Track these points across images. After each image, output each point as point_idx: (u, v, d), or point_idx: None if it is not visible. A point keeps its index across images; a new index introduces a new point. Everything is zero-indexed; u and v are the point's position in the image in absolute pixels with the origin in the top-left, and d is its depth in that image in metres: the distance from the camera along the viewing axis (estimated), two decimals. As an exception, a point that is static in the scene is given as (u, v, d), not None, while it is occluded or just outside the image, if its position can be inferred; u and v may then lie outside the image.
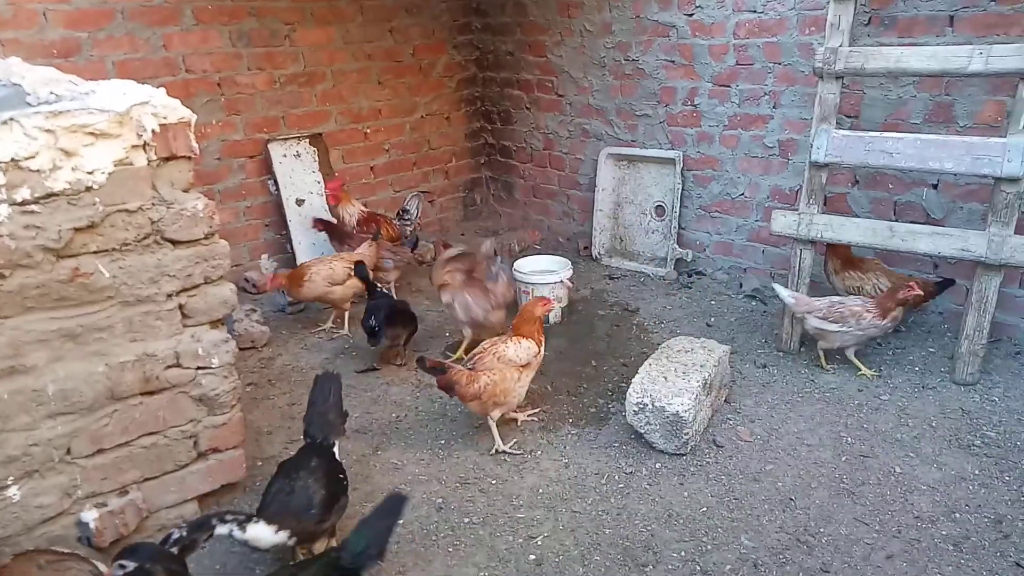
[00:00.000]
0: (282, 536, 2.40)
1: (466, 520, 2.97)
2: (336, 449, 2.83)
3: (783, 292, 3.93)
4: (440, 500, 3.08)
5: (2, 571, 2.23)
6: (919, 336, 4.21)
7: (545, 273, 4.72)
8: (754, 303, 4.82)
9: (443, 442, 3.49)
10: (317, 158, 5.52)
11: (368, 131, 5.88)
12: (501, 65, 6.33)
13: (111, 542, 2.58)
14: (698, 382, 3.29)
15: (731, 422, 3.52)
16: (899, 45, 3.94)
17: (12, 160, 2.26)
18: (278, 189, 5.32)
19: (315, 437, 2.79)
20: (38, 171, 2.32)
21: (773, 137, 4.81)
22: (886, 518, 2.85)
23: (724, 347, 3.66)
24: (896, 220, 4.23)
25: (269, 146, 5.28)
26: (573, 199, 6.08)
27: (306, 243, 5.41)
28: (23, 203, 2.30)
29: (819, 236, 4.00)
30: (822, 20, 4.32)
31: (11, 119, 2.26)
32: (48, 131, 2.33)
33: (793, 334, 4.12)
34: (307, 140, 5.49)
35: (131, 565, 2.05)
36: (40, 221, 2.33)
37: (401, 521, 2.34)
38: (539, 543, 2.81)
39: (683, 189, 5.24)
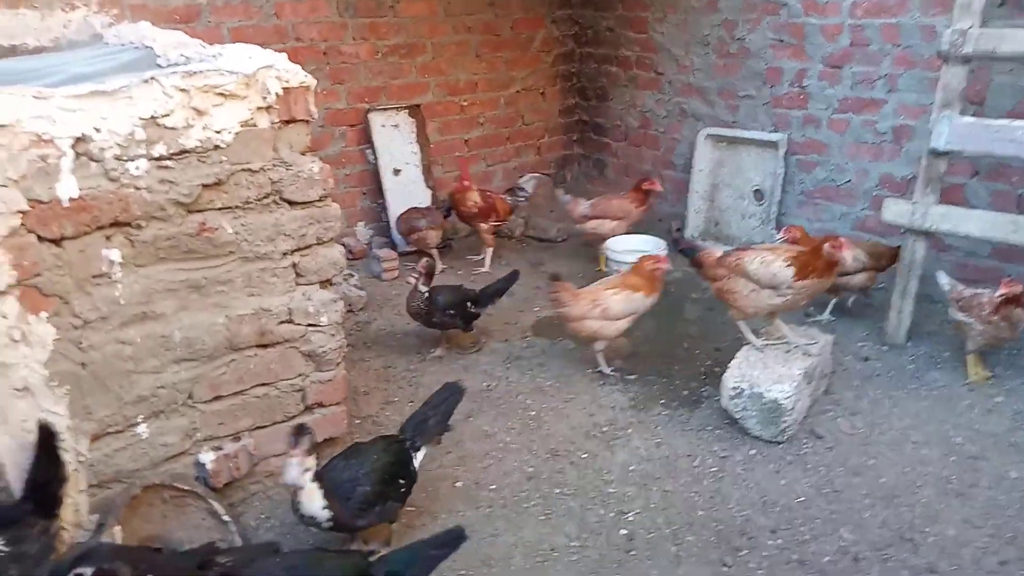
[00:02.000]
0: (325, 512, 2.36)
1: (556, 491, 2.99)
2: (419, 455, 2.73)
3: (943, 279, 3.73)
4: (531, 469, 3.12)
5: (133, 500, 2.39)
6: (1038, 338, 3.96)
7: (637, 253, 4.65)
8: (856, 294, 4.63)
9: (533, 414, 3.52)
10: (415, 129, 5.60)
11: (464, 104, 5.92)
12: (600, 41, 6.24)
13: (225, 483, 2.72)
14: (800, 370, 3.21)
15: (831, 413, 3.41)
16: (1038, 26, 3.67)
17: (152, 117, 2.37)
18: (376, 158, 5.43)
19: (403, 432, 2.75)
20: (173, 128, 2.43)
21: (886, 123, 4.59)
22: (1000, 523, 2.72)
23: (827, 336, 3.55)
24: (1019, 214, 3.98)
25: (369, 116, 5.39)
26: (667, 179, 5.96)
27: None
28: (159, 158, 2.41)
29: (934, 227, 3.81)
30: (948, 0, 4.08)
31: (152, 78, 2.37)
32: (183, 90, 2.43)
33: (900, 327, 3.95)
34: (406, 111, 5.57)
35: (89, 571, 1.78)
36: (173, 176, 2.45)
37: (452, 554, 2.18)
38: (630, 519, 2.81)
39: (785, 174, 5.07)
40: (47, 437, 2.09)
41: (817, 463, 3.09)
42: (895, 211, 3.91)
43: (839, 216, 4.93)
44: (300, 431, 2.34)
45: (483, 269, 5.17)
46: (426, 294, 3.80)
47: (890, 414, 3.41)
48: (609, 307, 3.65)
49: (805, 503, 2.87)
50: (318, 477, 2.37)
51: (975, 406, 3.42)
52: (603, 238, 5.03)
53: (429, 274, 3.83)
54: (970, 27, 3.63)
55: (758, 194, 5.31)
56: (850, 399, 3.53)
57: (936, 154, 3.78)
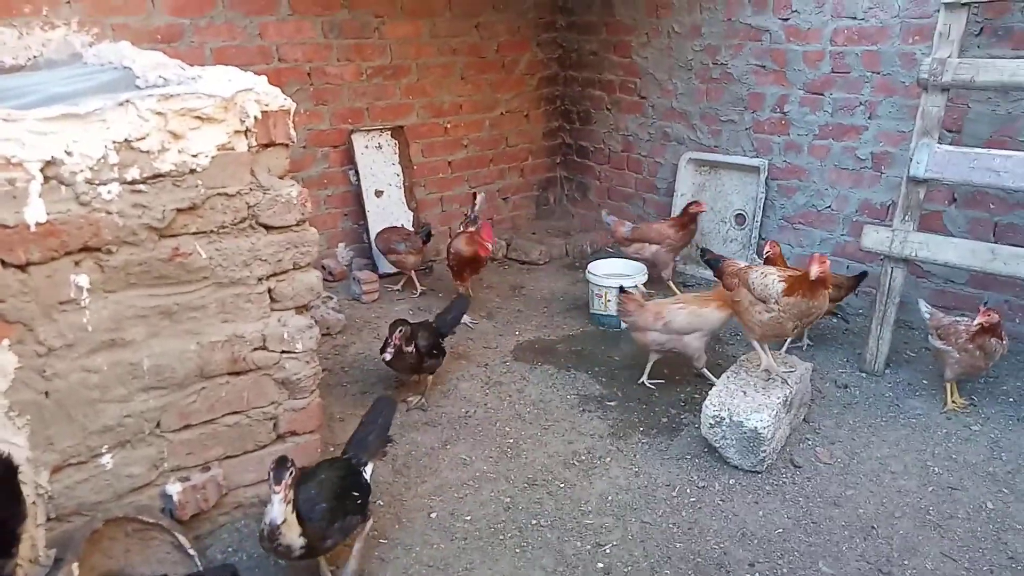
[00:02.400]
0: (300, 540, 2.32)
1: (533, 522, 2.95)
2: (367, 470, 2.74)
3: (924, 307, 3.74)
4: (508, 500, 3.07)
5: (94, 534, 2.32)
6: (1013, 366, 3.98)
7: (619, 277, 4.66)
8: (835, 320, 4.64)
9: (512, 441, 3.48)
10: (398, 151, 5.59)
11: (448, 126, 5.92)
12: (584, 64, 6.28)
13: (192, 515, 2.66)
14: (779, 398, 3.19)
15: (810, 442, 3.40)
16: (1014, 58, 3.72)
17: (125, 140, 2.33)
18: (359, 180, 5.41)
19: (345, 453, 2.77)
20: (147, 152, 2.39)
21: (866, 149, 4.63)
22: (976, 556, 2.70)
23: (806, 364, 3.54)
24: (996, 242, 4.01)
25: (352, 137, 5.37)
26: (649, 203, 5.99)
27: (382, 234, 5.47)
28: (132, 182, 2.37)
29: (913, 255, 3.83)
30: (928, 29, 4.15)
31: (127, 101, 2.34)
32: (159, 113, 2.40)
33: (879, 355, 3.96)
34: (389, 132, 5.56)
35: None
36: (146, 200, 2.41)
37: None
38: (608, 551, 2.77)
39: (766, 198, 5.10)
40: (8, 472, 2.03)
41: (796, 494, 3.07)
42: (874, 238, 3.93)
43: (819, 241, 4.95)
44: (281, 464, 2.28)
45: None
46: (413, 351, 3.64)
47: (868, 443, 3.40)
48: (671, 321, 3.69)
49: (783, 535, 2.84)
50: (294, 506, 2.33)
51: (952, 435, 3.42)
52: (647, 262, 4.95)
53: (409, 338, 3.61)
54: (949, 56, 3.68)
55: (739, 218, 5.34)
56: (829, 427, 3.52)
57: (915, 181, 3.82)
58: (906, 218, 3.86)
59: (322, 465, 2.65)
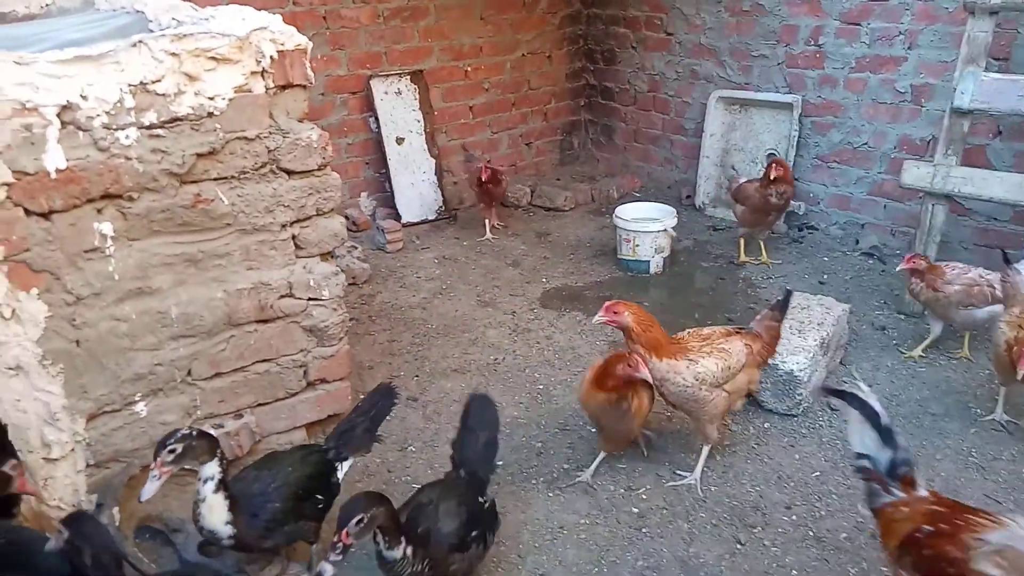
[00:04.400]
0: (227, 528, 2.08)
1: (566, 466, 2.93)
2: (343, 466, 2.41)
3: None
4: (539, 444, 3.06)
5: (131, 480, 2.34)
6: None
7: (647, 221, 4.55)
8: (872, 261, 4.52)
9: (542, 387, 3.45)
10: (418, 96, 5.46)
11: (469, 69, 5.75)
12: (607, 1, 6.04)
13: (228, 461, 2.66)
14: (815, 341, 3.12)
15: (847, 385, 3.31)
16: (1070, -23, 3.50)
17: (140, 83, 2.26)
18: (379, 127, 5.30)
19: (328, 442, 2.46)
20: (163, 95, 2.32)
21: (906, 81, 4.43)
22: (1021, 497, 2.64)
23: (844, 305, 3.45)
24: (1045, 176, 3.84)
25: (371, 82, 5.24)
26: (677, 145, 5.82)
27: (404, 182, 5.39)
28: (150, 127, 2.31)
29: (956, 191, 3.68)
30: (975, -50, 3.90)
31: (140, 41, 2.27)
32: (173, 54, 2.32)
33: (918, 296, 3.84)
34: (408, 77, 5.42)
35: (66, 534, 1.73)
36: (165, 145, 2.35)
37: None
38: (642, 496, 2.75)
39: (799, 137, 4.92)
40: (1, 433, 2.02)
41: (833, 437, 3.01)
42: (915, 174, 3.78)
43: (855, 180, 4.79)
44: (162, 442, 2.00)
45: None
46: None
47: (908, 385, 3.32)
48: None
49: (821, 478, 2.80)
50: (224, 487, 2.07)
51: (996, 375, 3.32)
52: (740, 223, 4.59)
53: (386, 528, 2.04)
54: (998, -22, 3.47)
55: (771, 158, 5.16)
56: (867, 370, 3.44)
57: (959, 113, 3.65)
58: (948, 152, 3.70)
59: (295, 453, 2.38)
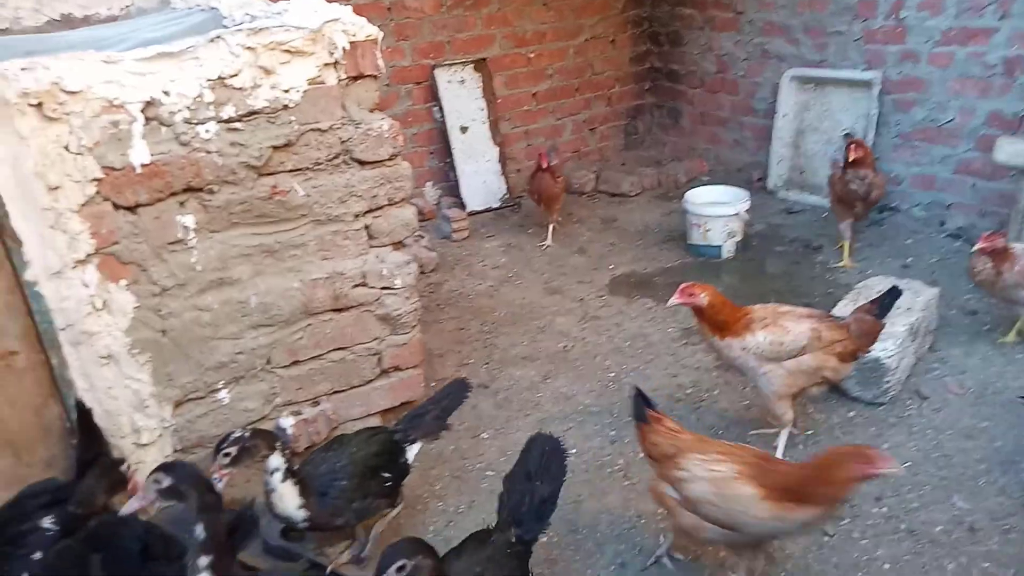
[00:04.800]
0: (300, 512, 2.12)
1: (641, 456, 2.86)
2: (412, 448, 2.43)
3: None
4: (613, 433, 3.01)
5: (216, 466, 2.39)
6: None
7: (719, 205, 4.44)
8: (959, 243, 4.29)
9: (613, 375, 3.40)
10: (481, 84, 5.44)
11: (532, 56, 5.70)
12: (673, -18, 5.90)
13: (305, 448, 2.72)
14: (904, 327, 2.98)
15: (937, 372, 3.17)
16: None
17: (219, 78, 2.31)
18: (443, 116, 5.31)
19: (398, 425, 2.49)
20: (240, 89, 2.37)
21: (997, 53, 4.17)
22: None
23: (933, 290, 3.28)
24: None
25: (435, 72, 5.25)
26: (747, 127, 5.65)
27: (469, 171, 5.40)
28: (228, 120, 2.36)
29: (1055, 166, 3.45)
30: (1076, -93, 3.64)
31: (218, 37, 2.31)
32: (249, 48, 2.36)
33: (1012, 278, 3.62)
34: (471, 66, 5.41)
35: (167, 481, 1.79)
36: (243, 139, 2.40)
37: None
38: (721, 485, 2.68)
39: (879, 115, 4.70)
40: (84, 415, 2.10)
41: (924, 426, 2.87)
42: (1009, 151, 3.58)
43: (940, 159, 4.55)
44: (223, 443, 2.03)
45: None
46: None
47: (1003, 372, 3.14)
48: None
49: (912, 468, 2.67)
50: (291, 474, 2.11)
51: (1103, 363, 3.12)
52: None
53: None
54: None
55: (848, 138, 4.95)
56: (957, 356, 3.27)
57: (1059, 85, 3.41)
58: (1047, 126, 3.48)
59: (361, 434, 2.41)
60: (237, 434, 2.05)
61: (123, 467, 2.17)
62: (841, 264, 4.18)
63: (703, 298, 2.65)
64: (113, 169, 2.19)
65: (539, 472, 2.09)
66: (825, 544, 2.40)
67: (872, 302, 2.72)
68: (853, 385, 2.98)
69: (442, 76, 5.30)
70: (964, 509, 2.47)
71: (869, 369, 2.90)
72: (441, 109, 5.31)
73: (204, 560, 1.76)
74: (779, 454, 2.73)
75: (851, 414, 2.97)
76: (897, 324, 2.97)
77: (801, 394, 2.74)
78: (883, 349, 2.87)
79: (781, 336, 2.63)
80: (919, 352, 3.20)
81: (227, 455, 2.02)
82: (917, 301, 3.14)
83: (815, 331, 2.64)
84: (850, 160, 3.95)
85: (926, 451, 2.74)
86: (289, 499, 2.11)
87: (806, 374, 2.66)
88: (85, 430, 2.13)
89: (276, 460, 2.08)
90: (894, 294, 2.72)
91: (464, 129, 5.42)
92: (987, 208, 4.33)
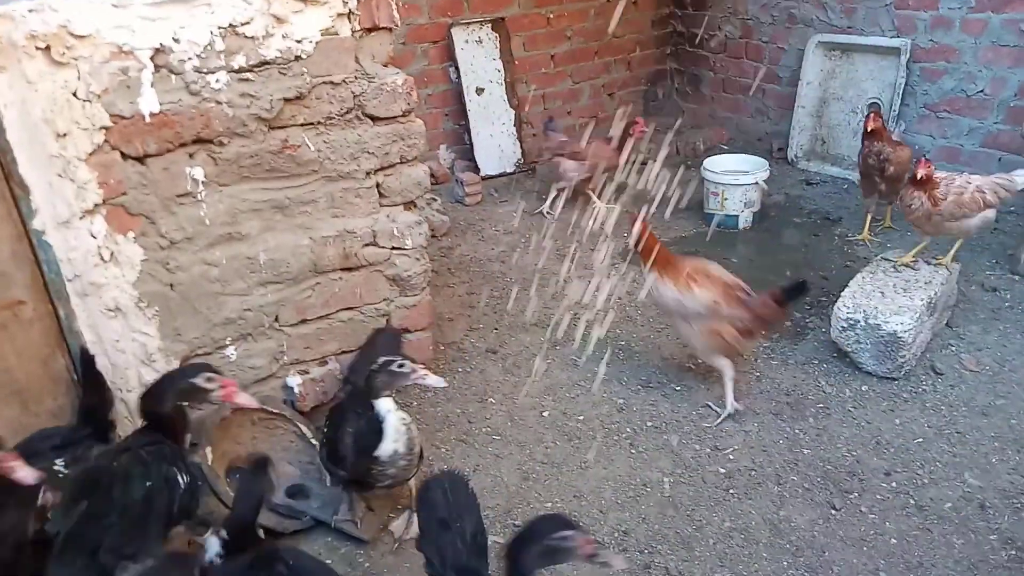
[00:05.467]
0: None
1: (649, 423, 2.86)
2: (381, 403, 2.12)
3: None
4: (621, 401, 2.99)
5: (223, 421, 2.40)
6: None
7: (737, 174, 4.35)
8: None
9: (623, 343, 3.37)
10: (499, 45, 5.33)
11: (551, 16, 5.57)
12: (698, -57, 5.73)
13: (312, 407, 2.72)
14: (922, 300, 2.91)
15: (953, 348, 3.11)
16: None
17: (230, 25, 2.26)
18: (459, 77, 5.22)
19: (355, 384, 2.39)
20: (252, 38, 2.31)
21: (1034, 21, 4.03)
22: None
23: (953, 264, 3.21)
24: None
25: (452, 31, 5.14)
26: (770, 95, 5.51)
27: (484, 134, 5.31)
28: (239, 70, 2.32)
29: (1088, 141, 3.34)
30: None
31: (229, -17, 2.25)
32: (261, -4, 2.30)
33: (1036, 255, 3.55)
34: (489, 25, 5.29)
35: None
36: (254, 90, 2.35)
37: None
38: (729, 456, 2.66)
39: (907, 84, 4.57)
40: (88, 364, 2.10)
41: (937, 402, 2.83)
42: (1041, 124, 3.45)
43: (967, 131, 4.43)
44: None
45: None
46: None
47: (1021, 350, 3.08)
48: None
49: (923, 444, 2.63)
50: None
51: (1126, 344, 3.05)
52: None
53: None
54: None
55: (873, 107, 4.83)
56: (975, 333, 3.21)
57: (1096, 56, 3.29)
58: (1082, 98, 3.36)
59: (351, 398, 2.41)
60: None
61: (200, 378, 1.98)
62: (860, 237, 4.09)
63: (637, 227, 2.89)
64: (122, 117, 2.16)
65: (452, 513, 1.81)
66: (832, 518, 2.38)
67: (782, 289, 2.75)
68: (867, 359, 2.93)
69: (459, 35, 5.19)
70: (975, 486, 2.44)
71: (884, 343, 2.85)
72: (457, 69, 5.21)
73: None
74: (728, 403, 2.82)
75: (864, 388, 2.92)
76: (915, 298, 2.92)
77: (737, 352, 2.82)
78: (900, 323, 2.82)
79: (685, 296, 2.75)
80: (936, 327, 3.14)
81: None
82: (937, 275, 3.08)
83: (716, 303, 2.73)
84: (868, 131, 3.83)
85: (939, 427, 2.70)
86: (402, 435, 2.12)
87: (711, 334, 2.74)
88: (89, 377, 2.13)
89: (388, 402, 2.11)
90: (801, 287, 2.75)
91: (480, 91, 5.32)
92: (1013, 184, 4.21)
